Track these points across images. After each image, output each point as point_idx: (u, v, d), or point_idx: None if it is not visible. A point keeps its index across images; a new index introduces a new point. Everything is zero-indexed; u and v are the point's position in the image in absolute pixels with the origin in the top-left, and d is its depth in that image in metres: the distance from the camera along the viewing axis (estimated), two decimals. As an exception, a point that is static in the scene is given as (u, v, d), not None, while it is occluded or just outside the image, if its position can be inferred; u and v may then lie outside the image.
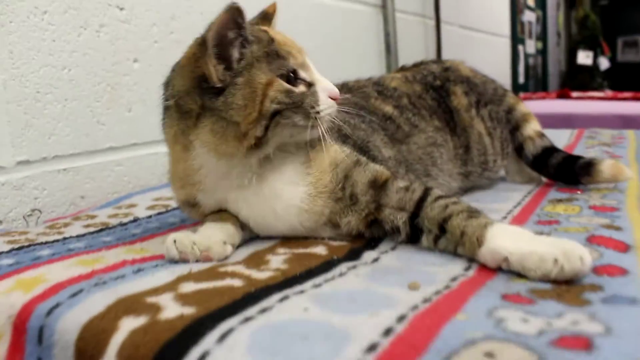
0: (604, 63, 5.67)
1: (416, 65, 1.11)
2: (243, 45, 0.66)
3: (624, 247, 0.62)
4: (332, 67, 1.87)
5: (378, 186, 0.70)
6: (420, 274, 0.56)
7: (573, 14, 6.18)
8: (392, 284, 0.53)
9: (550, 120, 2.57)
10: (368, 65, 2.15)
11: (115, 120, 1.18)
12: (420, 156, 0.88)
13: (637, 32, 6.36)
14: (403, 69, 1.13)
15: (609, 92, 4.12)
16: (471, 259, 0.60)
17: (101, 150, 1.16)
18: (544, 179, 1.03)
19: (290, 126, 0.67)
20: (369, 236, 0.72)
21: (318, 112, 0.67)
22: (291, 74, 0.67)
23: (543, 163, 1.01)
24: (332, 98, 0.69)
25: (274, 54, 0.67)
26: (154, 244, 0.74)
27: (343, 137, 0.78)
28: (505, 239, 0.57)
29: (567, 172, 0.97)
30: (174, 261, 0.65)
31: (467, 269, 0.58)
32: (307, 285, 0.54)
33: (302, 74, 0.69)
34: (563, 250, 0.52)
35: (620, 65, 6.23)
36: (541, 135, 1.04)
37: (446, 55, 2.76)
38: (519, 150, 1.04)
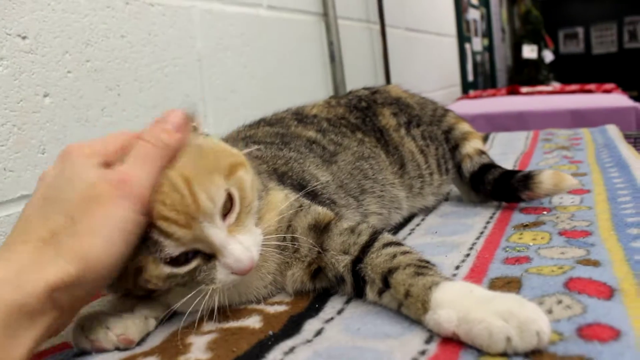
0: (548, 56, 5.75)
1: (346, 95, 1.06)
2: None
3: (608, 293, 0.53)
4: (273, 81, 1.77)
5: (320, 229, 0.61)
6: (374, 356, 0.45)
7: (515, 9, 6.26)
8: (338, 379, 0.42)
9: (503, 120, 2.56)
10: (312, 76, 2.05)
11: (26, 164, 1.04)
12: (351, 172, 0.81)
13: (577, 24, 6.51)
14: (331, 98, 1.07)
15: (556, 85, 4.16)
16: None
17: (11, 200, 1.01)
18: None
19: (180, 294, 0.54)
20: (312, 289, 0.62)
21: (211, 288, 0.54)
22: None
23: (480, 180, 0.94)
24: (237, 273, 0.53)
25: (150, 238, 0.50)
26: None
27: (280, 176, 0.70)
28: (451, 307, 0.47)
29: (505, 187, 0.89)
30: (80, 352, 0.53)
31: (428, 341, 0.48)
32: (231, 389, 0.42)
33: (198, 245, 0.52)
34: (517, 324, 0.44)
35: (564, 57, 6.36)
36: (481, 153, 0.98)
37: (393, 59, 2.69)
38: (459, 170, 0.98)
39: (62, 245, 0.44)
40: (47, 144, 1.07)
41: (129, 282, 0.52)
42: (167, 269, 0.51)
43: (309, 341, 0.50)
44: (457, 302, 0.47)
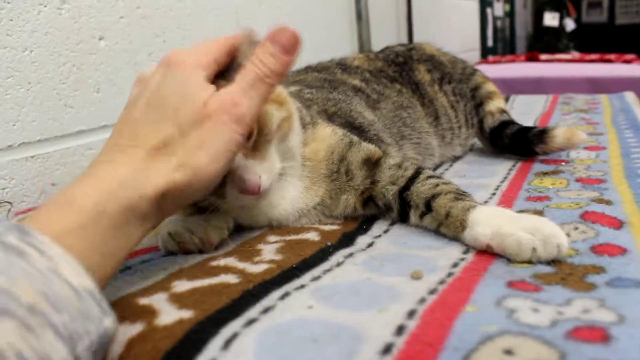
0: (570, 24, 5.70)
1: (382, 51, 1.16)
2: None
3: (618, 224, 0.61)
4: (301, 37, 1.83)
5: (372, 163, 0.70)
6: (420, 260, 0.55)
7: (538, -25, 6.17)
8: (393, 273, 0.52)
9: (521, 85, 2.60)
10: (339, 33, 2.11)
11: (84, 102, 1.13)
12: (392, 119, 0.91)
13: (601, -8, 6.41)
14: (369, 52, 1.18)
15: (575, 54, 4.16)
16: (468, 242, 0.59)
17: (70, 134, 1.11)
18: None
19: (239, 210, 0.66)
20: (362, 215, 0.71)
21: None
22: None
23: (499, 135, 1.03)
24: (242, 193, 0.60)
25: None
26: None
27: (330, 116, 0.78)
28: (486, 224, 0.56)
29: (521, 141, 0.98)
30: (166, 254, 0.62)
31: (466, 251, 0.57)
32: (306, 278, 0.52)
33: None
34: (542, 237, 0.53)
35: (586, 26, 6.29)
36: (502, 112, 1.07)
37: (417, 20, 2.72)
38: (481, 125, 1.08)
39: (173, 156, 0.49)
40: (101, 84, 1.16)
41: None
42: None
43: (363, 250, 0.60)
44: (491, 220, 0.56)
